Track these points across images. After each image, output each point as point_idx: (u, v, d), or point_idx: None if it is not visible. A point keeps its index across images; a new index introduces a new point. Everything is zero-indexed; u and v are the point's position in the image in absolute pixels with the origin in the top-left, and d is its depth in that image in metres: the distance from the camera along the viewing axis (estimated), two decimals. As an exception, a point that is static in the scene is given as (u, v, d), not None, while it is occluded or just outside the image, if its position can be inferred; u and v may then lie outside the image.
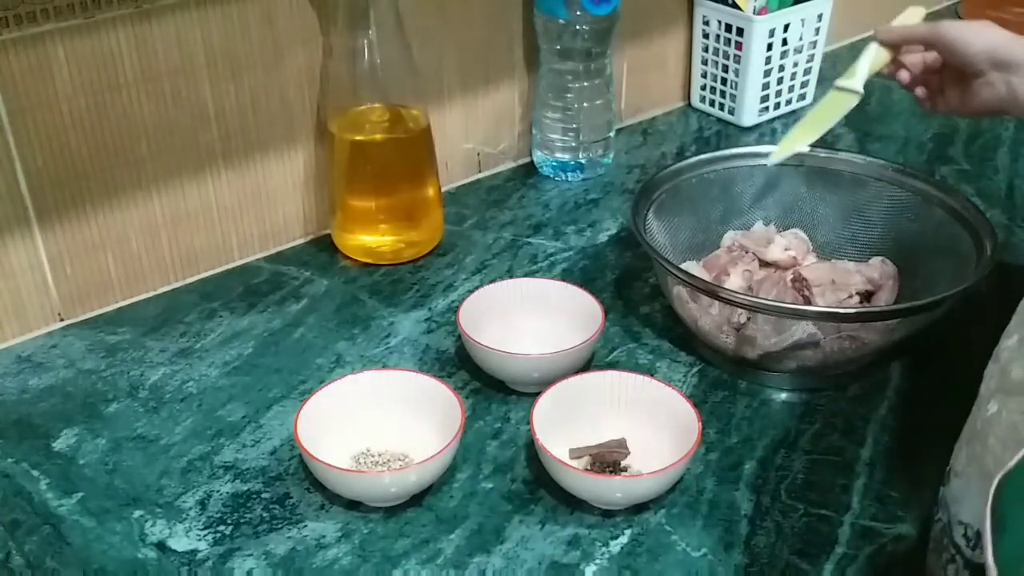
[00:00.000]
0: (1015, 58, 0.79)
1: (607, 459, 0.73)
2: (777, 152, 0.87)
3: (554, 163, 1.15)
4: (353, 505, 0.71)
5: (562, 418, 0.74)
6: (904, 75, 0.86)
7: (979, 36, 0.80)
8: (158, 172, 0.91)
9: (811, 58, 1.28)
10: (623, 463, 0.73)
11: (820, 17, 1.25)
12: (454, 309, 0.88)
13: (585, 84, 1.09)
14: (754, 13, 1.18)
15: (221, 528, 0.70)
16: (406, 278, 0.97)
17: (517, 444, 0.77)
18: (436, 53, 1.05)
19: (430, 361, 0.86)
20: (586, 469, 0.72)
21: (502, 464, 0.75)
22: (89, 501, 0.72)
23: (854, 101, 0.84)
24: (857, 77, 0.84)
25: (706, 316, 0.82)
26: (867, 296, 0.86)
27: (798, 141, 0.86)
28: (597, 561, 0.67)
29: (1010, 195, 1.11)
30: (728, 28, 1.22)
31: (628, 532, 0.69)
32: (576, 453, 0.73)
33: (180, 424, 0.79)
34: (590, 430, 0.75)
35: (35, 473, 0.74)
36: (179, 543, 0.69)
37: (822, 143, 1.20)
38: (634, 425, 0.75)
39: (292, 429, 0.72)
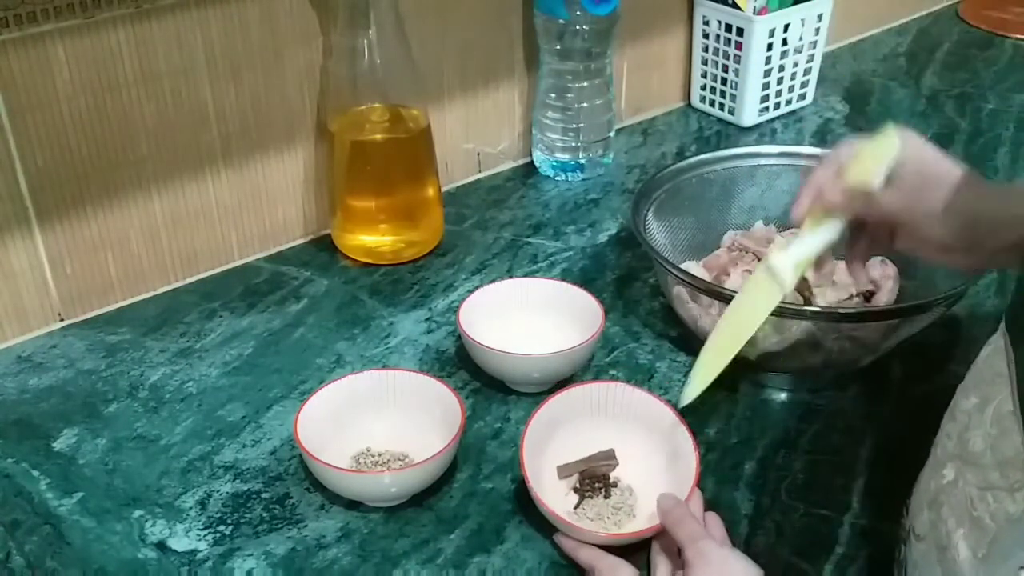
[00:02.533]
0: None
1: (596, 473, 0.72)
2: (689, 391, 0.71)
3: (554, 163, 1.15)
4: (353, 505, 0.71)
5: (550, 432, 0.73)
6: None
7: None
8: (158, 172, 0.91)
9: (811, 58, 1.28)
10: (612, 475, 0.73)
11: (820, 17, 1.25)
12: (454, 309, 0.88)
13: (585, 84, 1.09)
14: (754, 13, 1.18)
15: (221, 528, 0.70)
16: (406, 278, 0.97)
17: (517, 444, 0.77)
18: (436, 53, 1.05)
19: (430, 361, 0.86)
20: (575, 488, 0.72)
21: (502, 464, 0.75)
22: (89, 501, 0.72)
23: (777, 297, 0.68)
24: (790, 264, 0.68)
25: (706, 316, 0.82)
26: (867, 296, 0.86)
27: (712, 367, 0.70)
28: (597, 561, 0.67)
29: (1010, 195, 1.11)
30: (728, 28, 1.22)
31: (628, 532, 0.69)
32: (564, 472, 0.72)
33: (180, 424, 0.79)
34: (578, 442, 0.74)
35: (35, 473, 0.74)
36: (179, 543, 0.69)
37: (822, 143, 1.21)
38: (623, 434, 0.74)
39: (292, 429, 0.72)
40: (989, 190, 0.64)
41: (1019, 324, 0.49)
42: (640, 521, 0.69)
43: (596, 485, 0.71)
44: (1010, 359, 0.49)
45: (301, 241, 1.03)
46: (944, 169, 0.64)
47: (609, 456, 0.73)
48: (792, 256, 0.68)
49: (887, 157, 0.65)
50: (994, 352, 0.53)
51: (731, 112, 1.27)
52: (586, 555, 0.66)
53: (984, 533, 0.48)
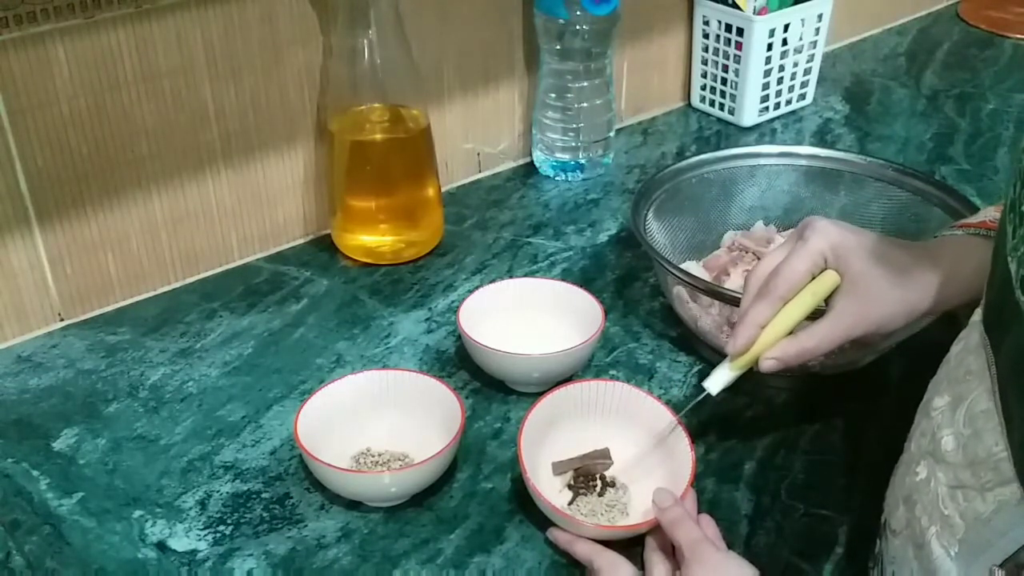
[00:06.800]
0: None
1: (590, 471, 0.72)
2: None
3: (554, 163, 1.15)
4: (353, 505, 0.71)
5: (546, 429, 0.73)
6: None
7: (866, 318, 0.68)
8: (158, 172, 0.91)
9: (811, 58, 1.28)
10: (607, 474, 0.73)
11: (820, 17, 1.25)
12: (454, 309, 0.88)
13: (585, 84, 1.09)
14: (754, 13, 1.18)
15: (221, 528, 0.70)
16: (406, 278, 0.97)
17: (517, 444, 0.77)
18: (436, 53, 1.05)
19: (430, 361, 0.86)
20: (569, 485, 0.72)
21: (502, 464, 0.75)
22: (89, 501, 0.72)
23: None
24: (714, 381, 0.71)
25: (706, 316, 0.82)
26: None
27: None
28: (597, 561, 0.67)
29: (1010, 195, 1.11)
30: (728, 28, 1.22)
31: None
32: (559, 468, 0.73)
33: (180, 424, 0.79)
34: (573, 439, 0.74)
35: (35, 473, 0.74)
36: (179, 543, 0.69)
37: (822, 143, 1.21)
38: (619, 433, 0.74)
39: (292, 429, 0.72)
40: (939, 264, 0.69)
41: (997, 325, 0.48)
42: (633, 519, 0.69)
43: (590, 483, 0.71)
44: (989, 360, 0.49)
45: (301, 241, 1.03)
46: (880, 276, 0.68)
47: (604, 455, 0.73)
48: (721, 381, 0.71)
49: (828, 292, 0.70)
50: (964, 349, 0.53)
51: (731, 112, 1.27)
52: (583, 549, 0.66)
53: (954, 532, 0.48)
